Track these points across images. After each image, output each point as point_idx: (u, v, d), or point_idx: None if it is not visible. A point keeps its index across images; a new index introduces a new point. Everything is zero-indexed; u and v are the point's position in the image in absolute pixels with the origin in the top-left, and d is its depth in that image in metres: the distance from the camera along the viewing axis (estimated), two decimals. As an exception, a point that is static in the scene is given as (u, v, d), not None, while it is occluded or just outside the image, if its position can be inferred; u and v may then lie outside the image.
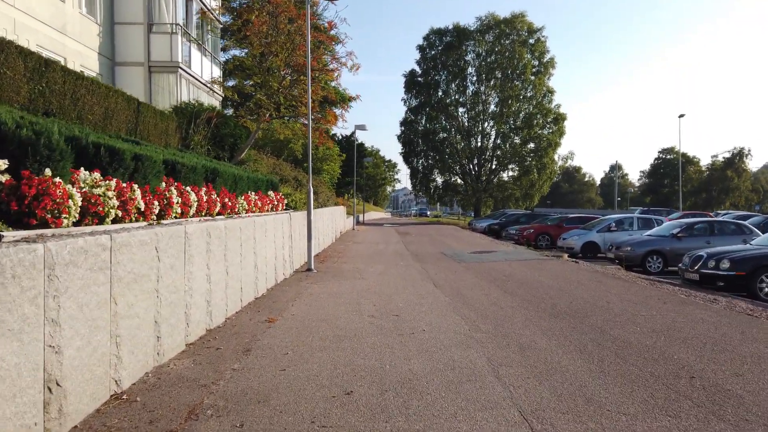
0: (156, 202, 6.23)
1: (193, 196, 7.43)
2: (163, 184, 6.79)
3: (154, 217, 6.23)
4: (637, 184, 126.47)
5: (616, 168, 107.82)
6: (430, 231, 35.55)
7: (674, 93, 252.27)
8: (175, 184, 7.10)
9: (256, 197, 11.15)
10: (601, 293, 10.26)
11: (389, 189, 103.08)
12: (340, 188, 46.26)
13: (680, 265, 13.56)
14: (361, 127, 36.37)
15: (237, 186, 10.07)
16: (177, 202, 6.87)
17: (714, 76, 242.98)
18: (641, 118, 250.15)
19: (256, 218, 9.38)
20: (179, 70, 22.04)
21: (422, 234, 31.64)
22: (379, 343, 6.44)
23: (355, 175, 41.02)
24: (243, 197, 10.17)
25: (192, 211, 7.44)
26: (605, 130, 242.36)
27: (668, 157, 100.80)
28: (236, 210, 9.58)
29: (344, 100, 39.43)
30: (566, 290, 10.57)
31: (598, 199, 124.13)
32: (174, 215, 6.84)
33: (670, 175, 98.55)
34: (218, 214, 8.76)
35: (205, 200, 7.97)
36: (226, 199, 9.03)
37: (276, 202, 13.51)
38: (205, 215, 8.15)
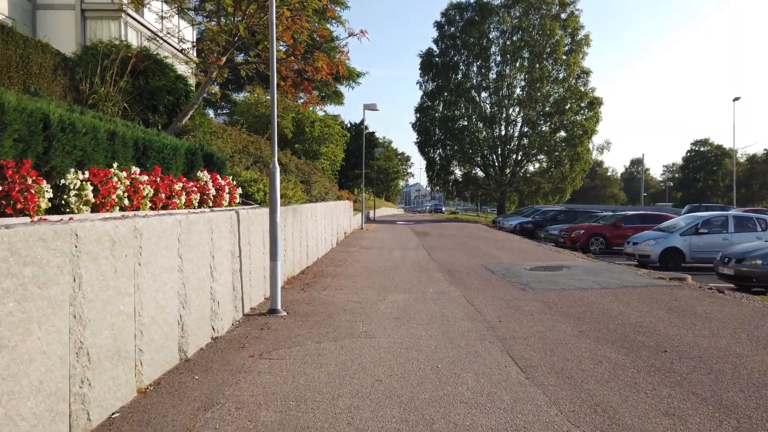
0: None
1: None
2: None
3: None
4: (660, 179, 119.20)
5: (642, 162, 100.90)
6: (453, 231, 29.44)
7: (686, 85, 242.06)
8: None
9: (144, 178, 5.29)
10: None
11: (402, 184, 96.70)
12: (348, 181, 40.26)
13: None
14: (372, 107, 30.37)
15: (66, 150, 4.13)
16: None
17: (734, 63, 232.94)
18: (656, 111, 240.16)
19: (92, 227, 3.53)
20: (124, 15, 16.27)
21: (445, 235, 25.58)
22: None
23: (364, 166, 34.98)
24: (86, 174, 4.30)
25: None
26: (619, 122, 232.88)
27: (702, 149, 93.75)
28: (34, 206, 3.71)
29: (350, 76, 33.45)
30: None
31: (621, 194, 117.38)
32: None
33: (705, 168, 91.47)
34: None
35: None
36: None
37: (215, 191, 7.66)
38: None
